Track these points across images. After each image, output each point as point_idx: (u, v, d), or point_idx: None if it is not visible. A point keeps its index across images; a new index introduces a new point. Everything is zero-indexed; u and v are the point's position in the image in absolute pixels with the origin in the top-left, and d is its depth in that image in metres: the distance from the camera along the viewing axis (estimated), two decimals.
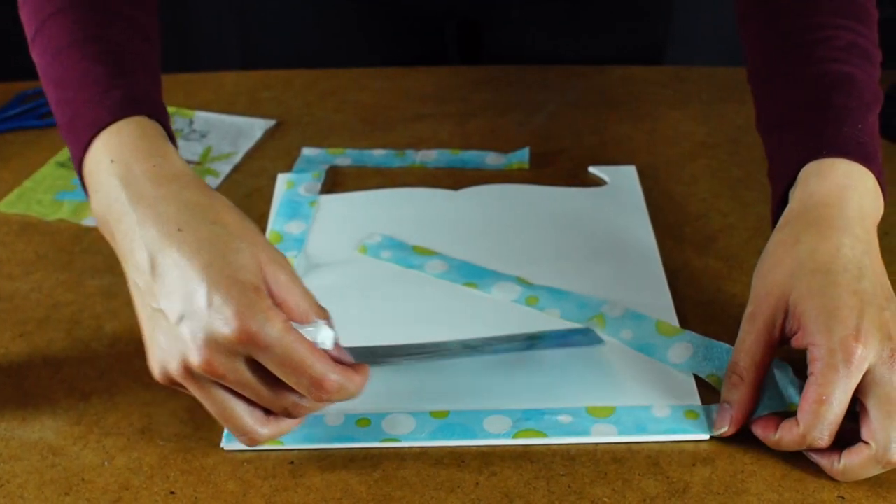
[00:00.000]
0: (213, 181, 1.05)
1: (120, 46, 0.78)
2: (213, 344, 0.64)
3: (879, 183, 0.77)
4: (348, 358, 0.69)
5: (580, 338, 0.80)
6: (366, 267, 0.91)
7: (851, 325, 0.68)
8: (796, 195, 0.78)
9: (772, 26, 0.87)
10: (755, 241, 0.87)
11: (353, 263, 0.92)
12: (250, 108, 1.18)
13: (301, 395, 0.67)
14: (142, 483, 0.72)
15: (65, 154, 1.09)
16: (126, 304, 0.88)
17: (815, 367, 0.69)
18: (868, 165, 0.77)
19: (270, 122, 1.15)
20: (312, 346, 0.66)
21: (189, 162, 1.08)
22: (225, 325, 0.64)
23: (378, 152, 1.09)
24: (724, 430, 0.73)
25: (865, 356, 0.67)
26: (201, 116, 1.17)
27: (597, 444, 0.74)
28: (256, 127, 1.14)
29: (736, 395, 0.73)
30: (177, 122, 1.15)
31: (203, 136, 1.13)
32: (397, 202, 1.00)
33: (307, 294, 0.69)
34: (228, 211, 0.71)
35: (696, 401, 0.77)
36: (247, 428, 0.68)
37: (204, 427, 0.76)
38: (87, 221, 0.98)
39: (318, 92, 1.21)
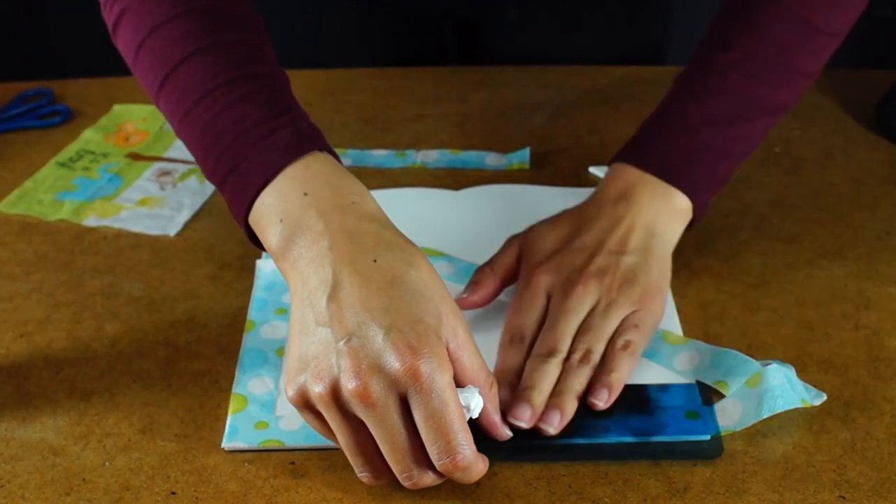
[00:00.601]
0: None
1: (264, 82, 0.78)
2: (376, 372, 0.64)
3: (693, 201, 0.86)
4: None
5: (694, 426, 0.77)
6: None
7: None
8: (598, 190, 0.89)
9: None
10: (755, 241, 0.87)
11: None
12: None
13: (422, 466, 0.67)
14: (143, 483, 0.72)
15: (65, 154, 1.09)
16: (126, 304, 0.88)
17: None
18: (664, 178, 0.86)
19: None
20: (463, 415, 0.66)
21: (189, 162, 1.08)
22: (398, 357, 0.64)
23: (378, 153, 1.09)
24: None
25: None
26: None
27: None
28: None
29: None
30: None
31: None
32: (398, 202, 0.99)
33: (480, 356, 0.70)
34: (423, 259, 0.71)
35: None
36: (376, 464, 0.68)
37: (205, 427, 0.76)
38: (88, 222, 0.98)
39: (318, 92, 1.21)
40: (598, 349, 0.78)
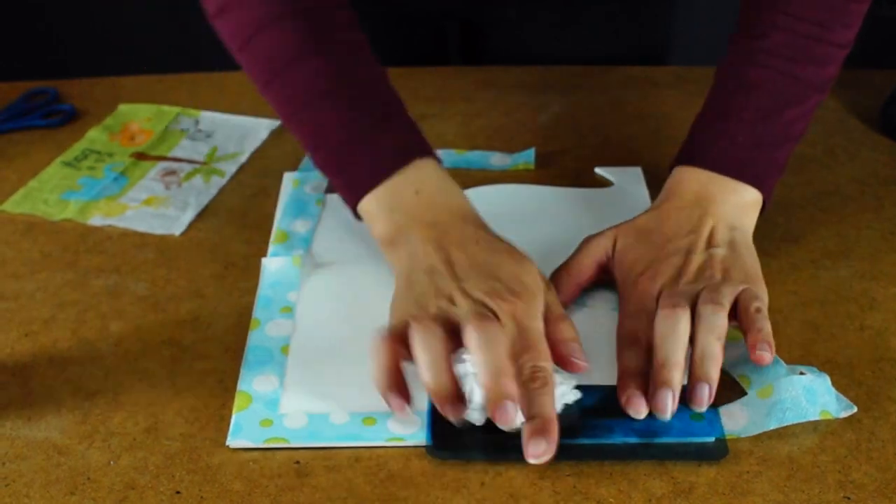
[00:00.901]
0: (219, 181, 1.05)
1: (370, 86, 0.88)
2: (479, 303, 0.75)
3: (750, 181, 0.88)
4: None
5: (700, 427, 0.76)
6: (372, 266, 0.91)
7: None
8: (664, 197, 0.90)
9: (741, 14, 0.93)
10: (759, 241, 0.87)
11: (360, 262, 0.92)
12: (255, 108, 1.18)
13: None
14: (147, 482, 0.72)
15: (70, 154, 1.09)
16: (131, 303, 0.88)
17: None
18: (733, 176, 0.88)
19: (276, 123, 1.15)
20: (549, 355, 0.74)
21: (194, 162, 1.08)
22: (499, 297, 0.75)
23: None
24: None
25: None
26: (207, 116, 1.17)
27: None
28: (262, 127, 1.14)
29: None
30: (182, 122, 1.15)
31: (209, 136, 1.13)
32: None
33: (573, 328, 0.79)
34: (524, 254, 0.82)
35: None
36: (439, 366, 0.73)
37: (210, 427, 0.76)
38: (93, 221, 0.98)
39: None
40: (726, 303, 0.79)
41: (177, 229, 0.97)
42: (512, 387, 0.71)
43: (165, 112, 1.17)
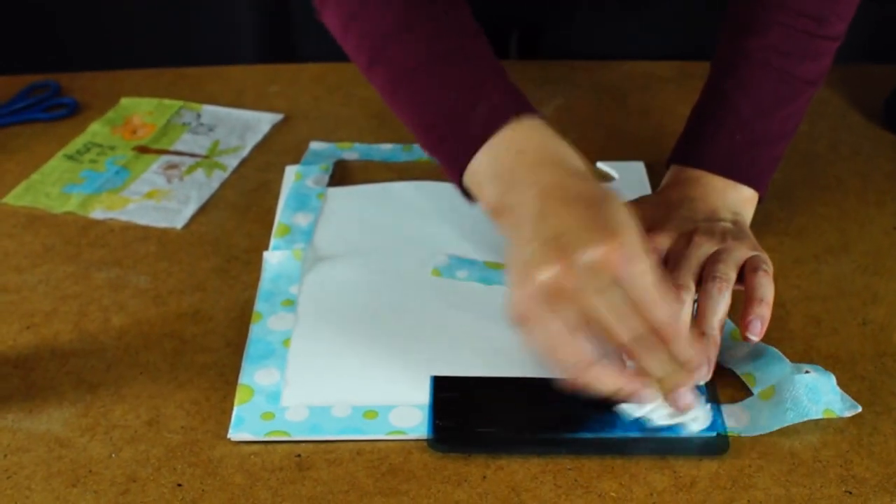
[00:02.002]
0: (221, 175, 1.05)
1: (471, 52, 0.83)
2: (580, 261, 0.68)
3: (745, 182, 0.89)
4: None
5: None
6: (374, 259, 0.91)
7: None
8: (664, 188, 0.91)
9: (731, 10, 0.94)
10: (761, 235, 0.87)
11: (361, 255, 0.92)
12: (258, 102, 1.18)
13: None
14: (149, 475, 0.72)
15: (73, 147, 1.09)
16: (133, 296, 0.88)
17: None
18: (732, 178, 0.88)
19: (278, 117, 1.15)
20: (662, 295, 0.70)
21: (196, 155, 1.08)
22: (602, 242, 0.68)
23: (385, 146, 1.09)
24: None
25: None
26: (209, 110, 1.17)
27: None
28: (264, 121, 1.14)
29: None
30: (184, 116, 1.15)
31: (211, 129, 1.13)
32: (405, 195, 1.00)
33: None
34: (621, 203, 0.73)
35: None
36: (582, 355, 0.70)
37: (211, 420, 0.76)
38: (95, 214, 0.98)
39: (326, 86, 1.21)
40: (732, 277, 0.79)
41: (178, 223, 0.97)
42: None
43: (167, 106, 1.17)
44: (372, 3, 0.83)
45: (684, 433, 0.74)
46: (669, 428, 0.74)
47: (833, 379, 0.76)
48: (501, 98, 0.80)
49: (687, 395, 0.72)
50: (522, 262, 0.71)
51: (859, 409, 0.75)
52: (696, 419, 0.73)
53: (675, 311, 0.70)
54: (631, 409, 0.74)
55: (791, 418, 0.74)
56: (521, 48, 1.33)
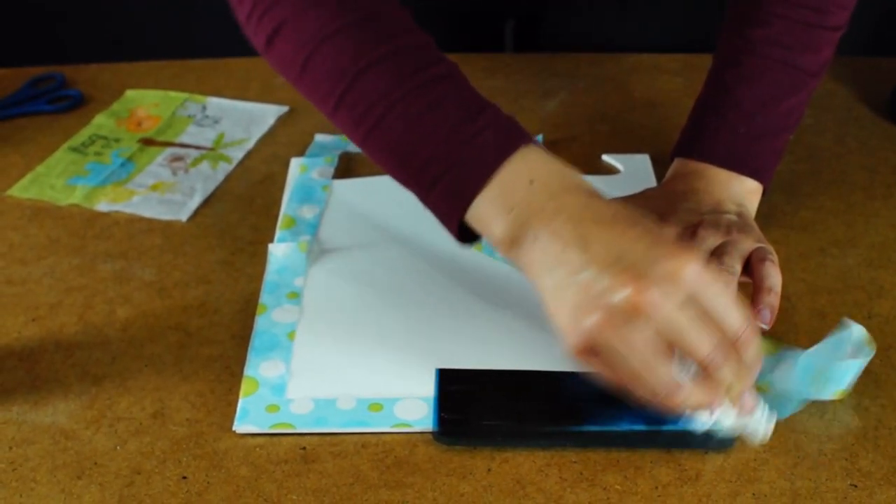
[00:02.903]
0: (226, 167, 1.05)
1: (449, 82, 0.77)
2: (648, 278, 0.65)
3: (749, 174, 0.89)
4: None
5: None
6: (379, 251, 0.91)
7: None
8: (668, 181, 0.91)
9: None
10: (766, 229, 0.87)
11: (366, 248, 0.92)
12: (263, 95, 1.18)
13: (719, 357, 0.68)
14: (154, 467, 0.72)
15: (78, 139, 1.09)
16: (138, 288, 0.88)
17: None
18: (735, 170, 0.88)
19: (283, 109, 1.15)
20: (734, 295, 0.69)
21: (201, 147, 1.08)
22: (667, 258, 0.66)
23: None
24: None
25: None
26: (214, 102, 1.17)
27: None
28: (269, 113, 1.14)
29: None
30: (189, 108, 1.15)
31: (216, 122, 1.13)
32: None
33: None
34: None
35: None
36: (670, 378, 0.68)
37: (216, 412, 0.76)
38: (100, 206, 0.98)
39: None
40: (737, 269, 0.79)
41: (183, 215, 0.97)
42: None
43: (172, 98, 1.17)
44: (328, 43, 0.77)
45: (681, 426, 0.74)
46: (675, 422, 0.74)
47: (827, 344, 0.75)
48: (498, 127, 0.75)
49: (751, 397, 0.71)
50: (583, 291, 0.67)
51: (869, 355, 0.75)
52: (760, 420, 0.72)
53: (747, 317, 0.69)
54: (703, 419, 0.71)
55: (789, 409, 0.74)
56: (519, 38, 1.32)
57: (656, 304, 0.65)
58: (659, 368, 0.67)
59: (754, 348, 0.69)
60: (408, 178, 0.77)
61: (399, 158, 0.76)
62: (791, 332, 0.82)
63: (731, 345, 0.68)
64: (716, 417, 0.71)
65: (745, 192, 0.88)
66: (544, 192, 0.72)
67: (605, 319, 0.66)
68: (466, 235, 0.76)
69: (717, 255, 0.80)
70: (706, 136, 0.90)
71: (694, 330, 0.66)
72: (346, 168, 1.04)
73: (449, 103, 0.75)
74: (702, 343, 0.67)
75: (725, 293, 0.67)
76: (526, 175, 0.73)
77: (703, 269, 0.66)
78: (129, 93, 1.18)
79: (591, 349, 0.68)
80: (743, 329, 0.68)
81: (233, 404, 0.76)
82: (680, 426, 0.73)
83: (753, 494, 0.69)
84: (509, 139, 0.74)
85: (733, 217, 0.84)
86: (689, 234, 0.82)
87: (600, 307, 0.66)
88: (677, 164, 0.92)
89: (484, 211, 0.73)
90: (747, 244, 0.81)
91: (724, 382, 0.69)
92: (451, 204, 0.74)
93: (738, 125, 0.89)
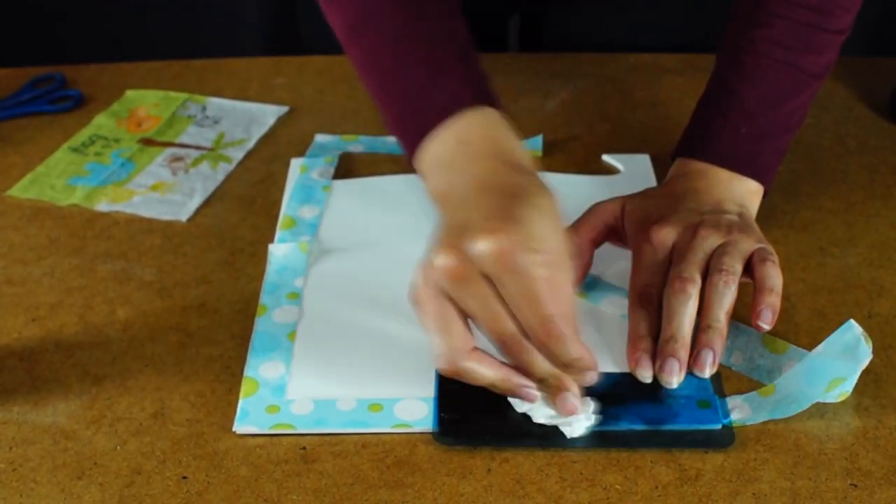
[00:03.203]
0: (226, 167, 1.05)
1: (444, 36, 0.82)
2: (459, 252, 0.69)
3: (752, 175, 0.89)
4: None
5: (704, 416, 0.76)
6: (379, 252, 0.91)
7: None
8: (669, 181, 0.91)
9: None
10: (767, 229, 0.87)
11: (366, 248, 0.92)
12: (263, 95, 1.18)
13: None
14: (154, 468, 0.72)
15: (78, 139, 1.09)
16: (138, 289, 0.88)
17: None
18: (737, 170, 0.88)
19: (283, 109, 1.15)
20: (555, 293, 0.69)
21: (201, 148, 1.08)
22: (485, 237, 0.68)
23: (391, 139, 1.09)
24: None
25: None
26: (214, 102, 1.17)
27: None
28: (269, 114, 1.14)
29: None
30: (189, 108, 1.15)
31: (216, 122, 1.13)
32: (411, 188, 1.00)
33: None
34: (551, 203, 0.73)
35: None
36: (456, 346, 0.71)
37: (216, 412, 0.76)
38: (100, 207, 0.98)
39: (331, 78, 1.21)
40: (738, 269, 0.79)
41: (183, 215, 0.97)
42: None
43: (173, 98, 1.17)
44: None
45: (681, 425, 0.74)
46: (675, 421, 0.74)
47: (834, 346, 0.75)
48: (460, 85, 0.79)
49: (569, 399, 0.72)
50: (429, 247, 0.71)
51: (869, 354, 0.75)
52: (573, 424, 0.73)
53: (566, 311, 0.69)
54: (516, 404, 0.74)
55: (794, 409, 0.74)
56: (523, 36, 1.32)
57: (466, 275, 0.68)
58: (449, 331, 0.71)
59: (566, 347, 0.70)
60: (384, 112, 0.83)
61: (383, 93, 0.83)
62: (791, 332, 0.82)
63: (538, 336, 0.69)
64: (527, 408, 0.73)
65: (746, 192, 0.88)
66: (468, 155, 0.76)
67: (426, 278, 0.71)
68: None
69: (717, 255, 0.80)
70: (708, 137, 0.90)
71: (484, 310, 0.69)
72: (347, 168, 1.04)
73: (434, 54, 0.80)
74: (495, 324, 0.70)
75: (542, 279, 0.68)
76: (460, 135, 0.77)
77: (526, 249, 0.67)
78: (130, 93, 1.18)
79: (417, 300, 0.73)
80: (547, 320, 0.68)
81: (233, 404, 0.76)
82: (680, 425, 0.73)
83: (753, 494, 0.69)
84: (463, 98, 0.78)
85: (734, 217, 0.84)
86: (690, 233, 0.82)
87: (428, 266, 0.71)
88: (678, 164, 0.92)
89: (425, 162, 0.79)
90: (748, 244, 0.81)
91: (532, 370, 0.71)
92: (407, 146, 0.80)
93: (740, 126, 0.89)
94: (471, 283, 0.69)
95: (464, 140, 0.77)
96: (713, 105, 0.91)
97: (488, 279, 0.69)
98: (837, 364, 0.74)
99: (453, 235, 0.70)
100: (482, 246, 0.68)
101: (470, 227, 0.69)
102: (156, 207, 0.98)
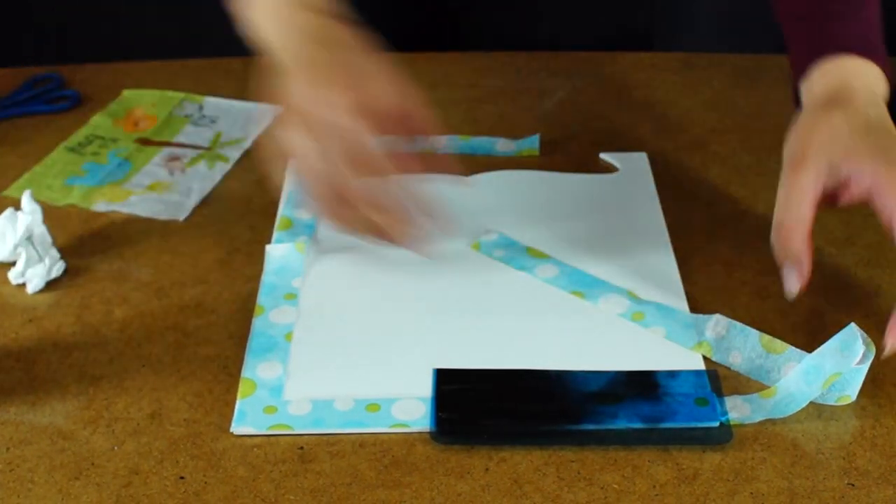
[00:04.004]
0: (224, 166, 1.05)
1: None
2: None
3: (882, 68, 0.86)
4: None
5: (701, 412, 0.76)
6: (376, 252, 0.91)
7: None
8: (813, 91, 0.86)
9: None
10: (765, 228, 0.87)
11: (364, 249, 0.92)
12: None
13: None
14: (151, 468, 0.72)
15: (74, 139, 1.09)
16: (135, 289, 0.88)
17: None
18: (870, 57, 0.85)
19: (281, 108, 1.14)
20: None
21: (198, 147, 1.08)
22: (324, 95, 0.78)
23: (387, 138, 1.08)
24: (797, 289, 0.79)
25: None
26: (211, 102, 1.16)
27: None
28: (266, 112, 1.14)
29: (797, 249, 0.78)
30: (186, 108, 1.15)
31: (213, 121, 1.13)
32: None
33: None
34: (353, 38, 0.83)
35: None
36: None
37: (213, 412, 0.76)
38: (97, 206, 0.98)
39: None
40: None
41: (181, 215, 0.97)
42: None
43: (169, 97, 1.17)
44: None
45: (679, 423, 0.74)
46: (672, 419, 0.74)
47: (836, 343, 0.75)
48: None
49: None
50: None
51: (862, 348, 0.74)
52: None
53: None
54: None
55: (793, 408, 0.74)
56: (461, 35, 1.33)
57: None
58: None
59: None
60: None
61: None
62: (789, 331, 0.82)
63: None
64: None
65: (879, 89, 0.86)
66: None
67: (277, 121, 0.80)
68: None
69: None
70: (833, 36, 0.87)
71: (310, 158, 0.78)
72: None
73: None
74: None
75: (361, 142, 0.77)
76: None
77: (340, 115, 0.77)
78: (126, 93, 1.18)
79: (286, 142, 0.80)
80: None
81: (230, 404, 0.76)
82: (678, 423, 0.74)
83: (751, 493, 0.69)
84: None
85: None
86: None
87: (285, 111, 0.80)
88: (809, 81, 0.88)
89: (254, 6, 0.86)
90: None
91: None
92: None
93: (866, 16, 0.89)
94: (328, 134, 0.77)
95: None
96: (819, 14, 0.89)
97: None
98: (834, 361, 0.74)
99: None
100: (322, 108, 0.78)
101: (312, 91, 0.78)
102: (153, 207, 0.98)
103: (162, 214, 0.97)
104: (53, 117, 1.14)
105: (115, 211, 0.98)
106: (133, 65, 1.24)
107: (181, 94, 1.18)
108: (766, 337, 0.80)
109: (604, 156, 1.04)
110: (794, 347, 0.79)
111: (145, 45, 1.39)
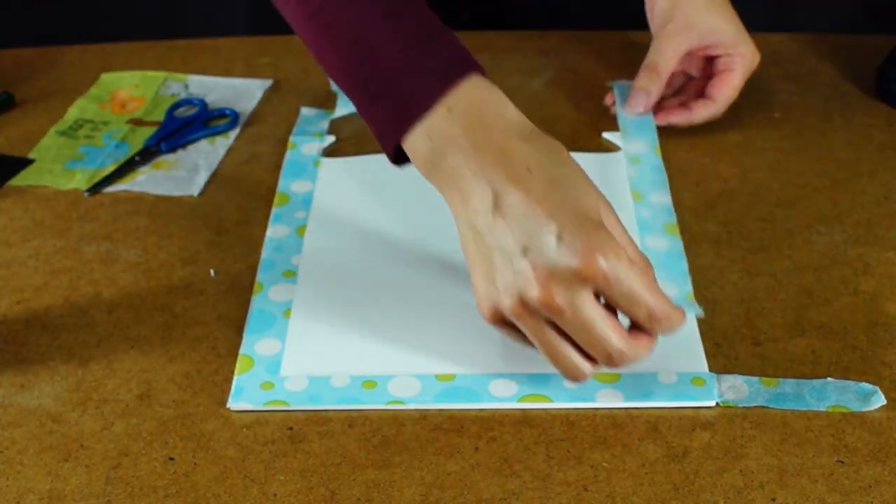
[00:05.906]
0: (225, 142, 1.04)
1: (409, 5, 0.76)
2: (555, 276, 0.67)
3: None
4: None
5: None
6: (375, 229, 0.91)
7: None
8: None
9: None
10: (755, 206, 0.87)
11: (361, 226, 0.92)
12: (248, 74, 1.17)
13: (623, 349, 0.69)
14: (141, 449, 0.72)
15: (65, 123, 1.08)
16: (124, 270, 0.88)
17: (734, 65, 1.01)
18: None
19: (268, 83, 1.14)
20: (651, 280, 0.69)
21: None
22: (572, 257, 0.66)
23: None
24: (640, 110, 1.03)
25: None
26: (195, 80, 1.15)
27: (597, 409, 0.74)
28: (254, 87, 1.14)
29: (653, 86, 1.03)
30: (172, 87, 1.15)
31: (202, 99, 1.12)
32: (400, 170, 0.99)
33: (632, 241, 0.71)
34: (567, 154, 0.72)
35: (704, 368, 0.77)
36: (576, 363, 0.70)
37: (203, 393, 0.76)
38: (105, 189, 0.98)
39: None
40: None
41: (193, 190, 0.97)
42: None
43: (151, 77, 1.16)
44: None
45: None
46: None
47: (850, 385, 0.75)
48: (446, 60, 0.74)
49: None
50: (498, 268, 0.69)
51: (883, 402, 0.74)
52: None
53: (657, 294, 0.69)
54: None
55: (790, 406, 0.74)
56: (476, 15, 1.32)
57: (562, 306, 0.67)
58: (564, 356, 0.70)
59: (672, 325, 0.70)
60: (350, 87, 0.76)
61: (347, 63, 0.75)
62: (777, 309, 0.82)
63: (647, 326, 0.69)
64: None
65: None
66: (459, 125, 0.71)
67: (517, 307, 0.68)
68: (400, 157, 0.76)
69: None
70: None
71: (599, 329, 0.68)
72: (335, 148, 1.03)
73: (404, 22, 0.74)
74: (608, 341, 0.68)
75: (635, 282, 0.67)
76: (446, 103, 0.72)
77: (614, 264, 0.66)
78: (105, 76, 1.17)
79: (504, 322, 0.71)
80: (648, 319, 0.69)
81: (220, 385, 0.76)
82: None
83: (741, 471, 0.69)
84: (454, 72, 0.73)
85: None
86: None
87: (513, 296, 0.68)
88: None
89: (411, 141, 0.73)
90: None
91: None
92: (389, 126, 0.74)
93: None
94: (573, 306, 0.67)
95: (453, 108, 0.72)
96: None
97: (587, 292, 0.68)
98: (847, 398, 0.74)
99: (540, 269, 0.67)
100: (570, 270, 0.66)
101: (558, 254, 0.67)
102: (164, 184, 0.98)
103: (175, 191, 0.97)
104: (38, 104, 1.12)
105: (126, 190, 0.97)
106: (117, 46, 1.23)
107: (163, 73, 1.17)
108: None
109: (606, 135, 1.04)
110: (784, 379, 0.76)
111: (129, 27, 1.38)
